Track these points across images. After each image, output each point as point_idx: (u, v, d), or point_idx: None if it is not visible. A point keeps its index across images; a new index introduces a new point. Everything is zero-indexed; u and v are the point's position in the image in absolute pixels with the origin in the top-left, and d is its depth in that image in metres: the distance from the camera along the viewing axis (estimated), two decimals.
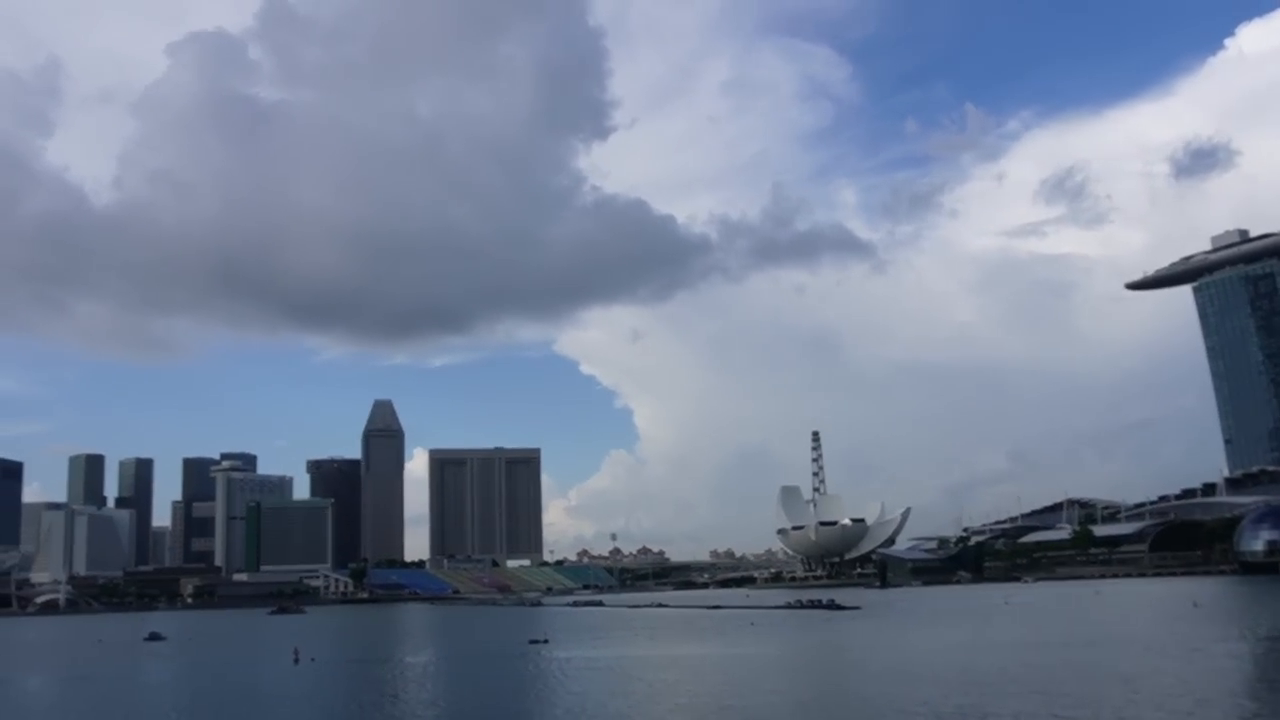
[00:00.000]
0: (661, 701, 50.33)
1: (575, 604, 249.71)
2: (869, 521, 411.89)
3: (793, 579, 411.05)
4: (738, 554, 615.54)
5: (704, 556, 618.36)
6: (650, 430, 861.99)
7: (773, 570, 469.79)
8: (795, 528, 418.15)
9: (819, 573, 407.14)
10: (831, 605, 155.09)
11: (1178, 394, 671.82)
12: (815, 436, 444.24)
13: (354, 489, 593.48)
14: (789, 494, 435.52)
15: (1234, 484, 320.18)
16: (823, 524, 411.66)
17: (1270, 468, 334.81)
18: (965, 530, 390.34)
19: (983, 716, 40.46)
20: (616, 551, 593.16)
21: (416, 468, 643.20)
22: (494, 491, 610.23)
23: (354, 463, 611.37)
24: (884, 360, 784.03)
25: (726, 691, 53.22)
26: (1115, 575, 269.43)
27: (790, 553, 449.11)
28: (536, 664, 74.87)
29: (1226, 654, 61.11)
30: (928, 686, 50.40)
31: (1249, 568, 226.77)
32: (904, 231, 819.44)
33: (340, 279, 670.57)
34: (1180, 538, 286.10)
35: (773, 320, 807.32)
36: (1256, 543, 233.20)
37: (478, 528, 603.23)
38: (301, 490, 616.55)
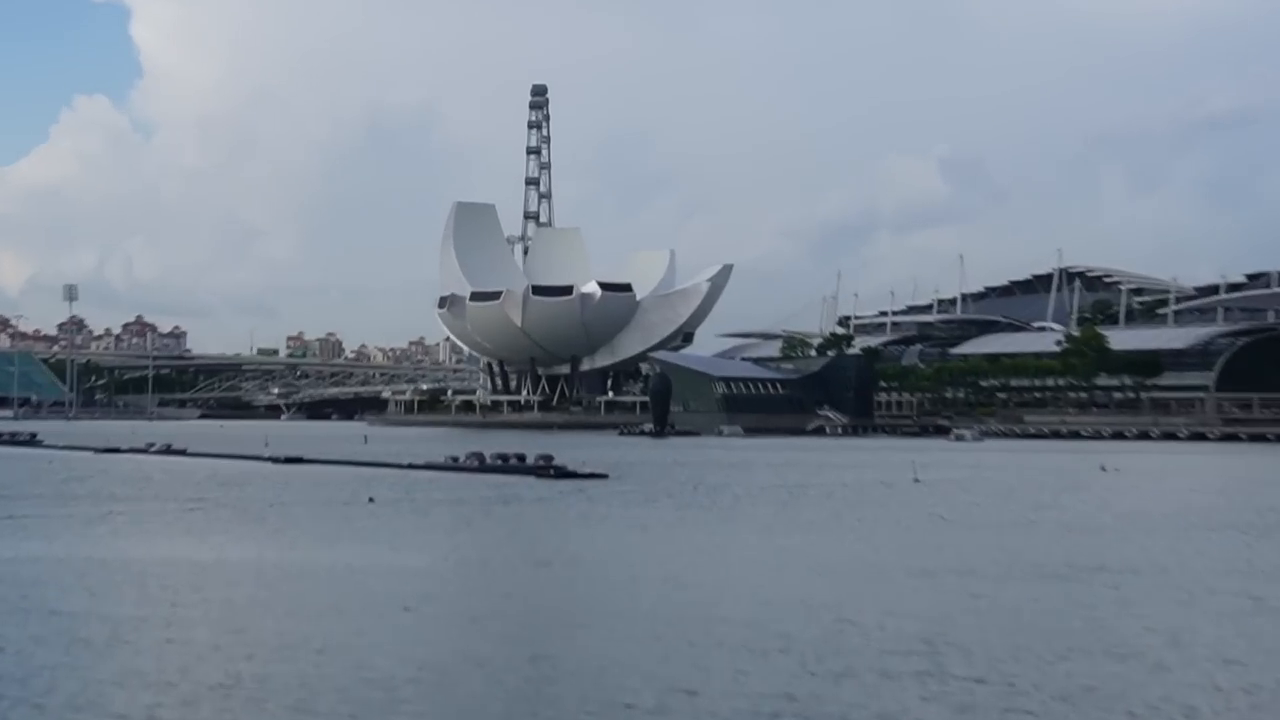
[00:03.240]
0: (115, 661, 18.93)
1: None
2: (642, 290, 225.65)
3: (470, 407, 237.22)
4: (350, 349, 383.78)
5: (274, 348, 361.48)
6: (163, 60, 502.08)
7: (426, 386, 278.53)
8: (481, 296, 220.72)
9: (527, 396, 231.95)
10: (550, 469, 71.86)
11: None
12: (539, 93, 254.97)
13: None
14: (471, 220, 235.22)
15: None
16: (541, 291, 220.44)
17: None
18: (844, 321, 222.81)
19: None
20: (78, 326, 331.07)
21: None
22: None
23: None
24: None
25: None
26: (1151, 430, 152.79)
27: (467, 353, 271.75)
28: None
29: None
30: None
31: None
32: None
33: None
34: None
35: None
36: None
37: None
38: None
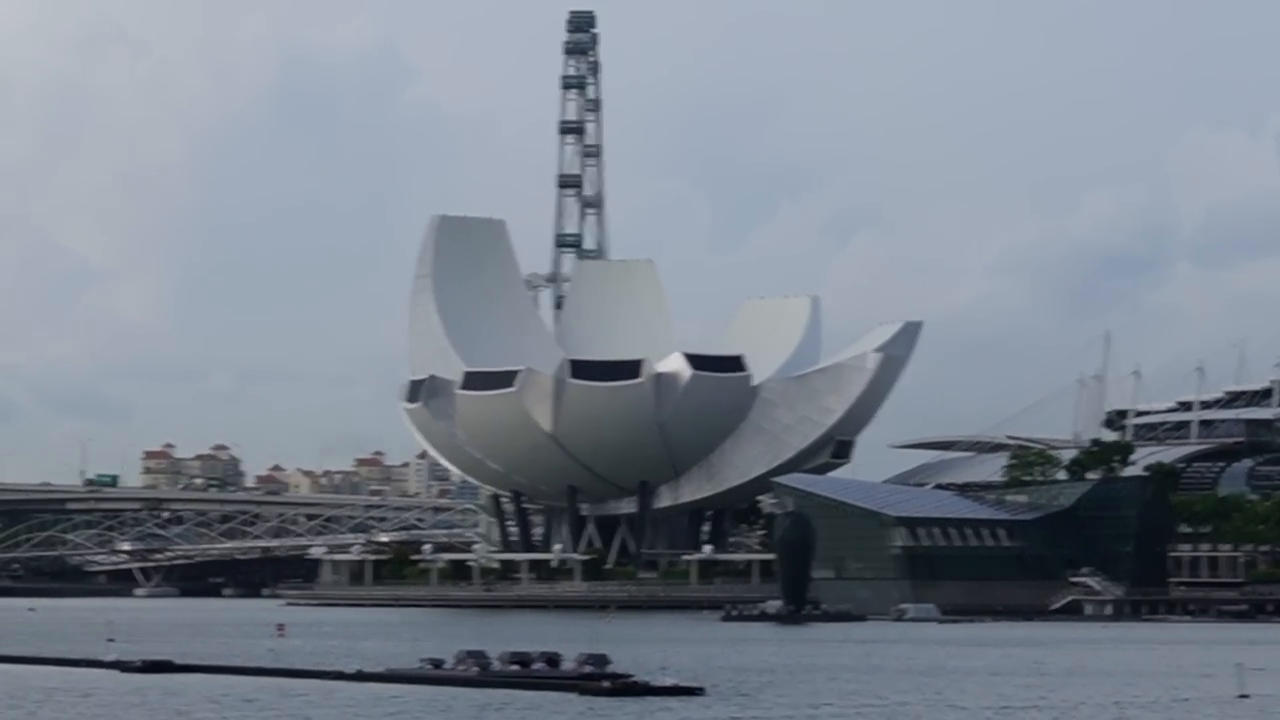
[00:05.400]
0: None
1: None
2: (763, 368, 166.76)
3: (463, 572, 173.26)
4: (255, 474, 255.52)
5: (120, 475, 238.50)
6: None
7: (386, 536, 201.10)
8: (481, 381, 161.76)
9: (561, 553, 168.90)
10: (605, 681, 45.60)
11: None
12: (581, 26, 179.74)
13: None
14: (463, 247, 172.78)
15: None
16: (588, 371, 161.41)
17: None
18: (1116, 420, 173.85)
19: None
20: None
21: None
22: None
23: None
24: None
25: None
26: None
27: (457, 479, 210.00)
28: None
29: None
30: None
31: None
32: None
33: None
34: None
35: None
36: None
37: None
38: None
